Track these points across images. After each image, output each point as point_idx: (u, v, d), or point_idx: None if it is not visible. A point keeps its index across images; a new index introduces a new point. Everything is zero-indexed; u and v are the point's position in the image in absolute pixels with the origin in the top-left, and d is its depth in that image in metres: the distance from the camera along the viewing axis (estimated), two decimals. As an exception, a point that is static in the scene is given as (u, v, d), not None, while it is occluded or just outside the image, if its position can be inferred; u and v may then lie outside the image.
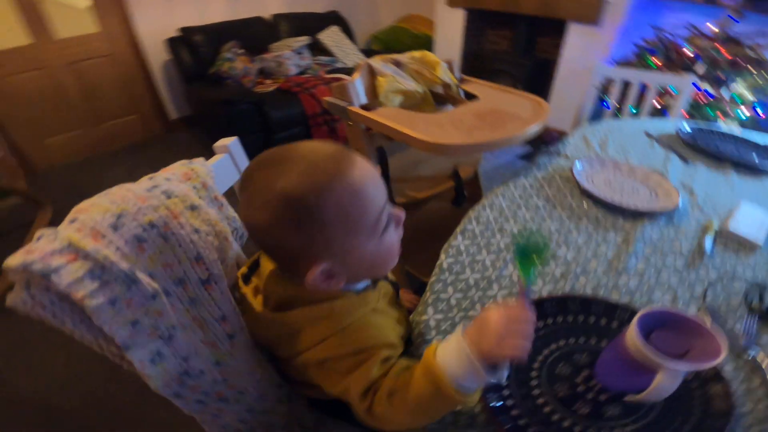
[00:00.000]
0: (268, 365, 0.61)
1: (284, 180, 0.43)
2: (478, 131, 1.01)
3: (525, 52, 2.99)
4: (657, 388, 0.39)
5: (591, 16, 2.36)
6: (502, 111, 1.15)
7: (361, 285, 0.55)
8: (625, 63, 2.23)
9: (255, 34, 2.99)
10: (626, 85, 1.71)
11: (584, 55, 2.51)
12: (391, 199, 1.24)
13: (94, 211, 0.46)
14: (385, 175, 1.23)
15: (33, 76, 2.53)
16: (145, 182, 0.54)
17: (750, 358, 0.50)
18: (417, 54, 1.37)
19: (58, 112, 2.69)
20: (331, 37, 3.27)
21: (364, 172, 0.46)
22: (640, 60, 2.15)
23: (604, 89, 1.98)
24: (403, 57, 1.34)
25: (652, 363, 0.39)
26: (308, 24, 3.22)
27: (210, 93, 2.60)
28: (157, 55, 2.91)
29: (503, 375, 0.41)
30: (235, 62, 2.73)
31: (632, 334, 0.40)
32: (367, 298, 0.53)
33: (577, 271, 0.68)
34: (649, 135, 1.23)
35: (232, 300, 0.55)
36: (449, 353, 0.41)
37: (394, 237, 0.51)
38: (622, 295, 0.63)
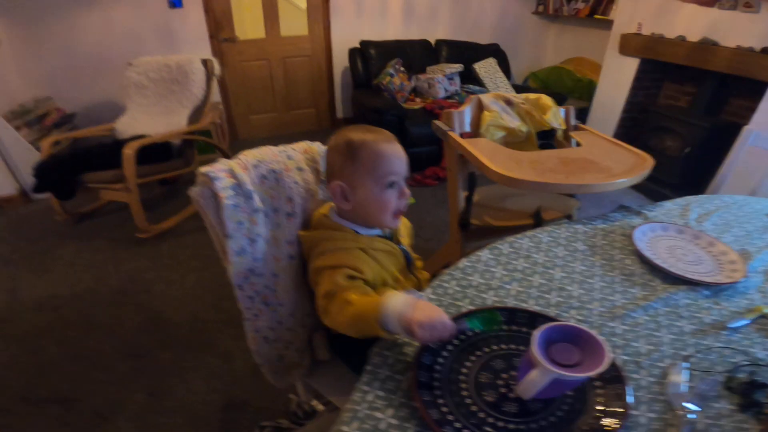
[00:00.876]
0: (306, 293, 0.87)
1: (351, 133, 0.77)
2: (552, 173, 1.11)
3: (706, 112, 2.65)
4: (527, 381, 0.49)
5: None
6: (591, 161, 1.20)
7: (362, 231, 0.78)
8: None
9: (417, 55, 3.42)
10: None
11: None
12: (465, 219, 1.39)
13: (249, 155, 0.81)
14: (469, 197, 1.39)
15: (259, 65, 3.43)
16: (281, 148, 0.88)
17: (682, 414, 0.54)
18: (533, 96, 1.49)
19: (266, 96, 3.58)
20: (485, 68, 3.48)
21: (392, 150, 0.75)
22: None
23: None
24: (516, 97, 1.48)
25: (536, 363, 0.50)
26: (466, 53, 3.51)
27: (367, 100, 3.10)
28: (340, 62, 3.60)
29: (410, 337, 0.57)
30: (394, 78, 3.19)
31: (532, 340, 0.52)
32: (360, 238, 0.77)
33: (573, 304, 0.76)
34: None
35: (300, 232, 0.83)
36: (395, 302, 0.58)
37: (392, 199, 0.76)
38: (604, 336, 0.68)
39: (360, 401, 0.55)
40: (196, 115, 2.62)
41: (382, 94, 3.23)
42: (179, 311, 1.78)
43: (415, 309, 0.55)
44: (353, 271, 0.72)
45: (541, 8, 3.96)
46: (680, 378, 0.57)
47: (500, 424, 0.52)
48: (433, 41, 3.60)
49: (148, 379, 1.45)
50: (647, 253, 0.88)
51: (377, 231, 0.83)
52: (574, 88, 3.66)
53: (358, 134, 0.76)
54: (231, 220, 0.76)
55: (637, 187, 2.99)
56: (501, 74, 3.55)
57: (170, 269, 2.07)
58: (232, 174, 0.77)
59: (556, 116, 1.43)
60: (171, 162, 2.49)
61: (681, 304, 0.77)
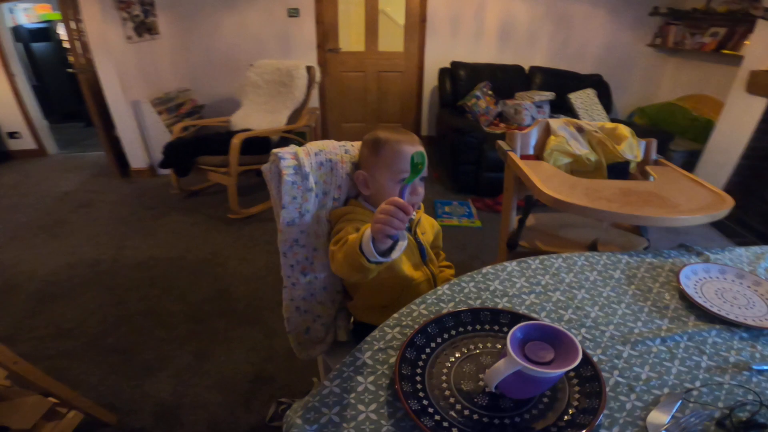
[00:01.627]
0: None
1: (381, 132, 0.90)
2: (606, 202, 1.08)
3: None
4: (492, 369, 0.52)
5: None
6: (658, 195, 1.14)
7: None
8: None
9: (508, 80, 3.42)
10: None
11: None
12: (514, 240, 1.39)
13: (314, 145, 0.96)
14: (522, 220, 1.39)
15: (357, 76, 3.75)
16: (342, 142, 1.01)
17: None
18: (610, 125, 1.45)
19: (358, 106, 3.88)
20: (581, 98, 3.35)
21: (412, 150, 0.82)
22: None
23: None
24: (590, 125, 1.45)
25: (506, 353, 0.53)
26: (562, 81, 3.40)
27: (450, 120, 3.19)
28: (430, 81, 3.76)
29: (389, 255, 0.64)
30: (480, 100, 3.23)
31: (509, 334, 0.56)
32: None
33: (586, 323, 0.76)
34: None
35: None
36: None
37: (404, 194, 0.83)
38: (602, 360, 0.66)
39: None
40: (294, 116, 2.96)
41: (466, 115, 3.29)
42: (243, 287, 2.02)
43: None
44: (362, 225, 0.80)
45: (658, 41, 3.69)
46: (670, 408, 0.56)
47: (475, 416, 0.55)
48: (527, 67, 3.56)
49: (198, 342, 1.66)
50: (689, 290, 0.83)
51: None
52: (687, 128, 3.32)
53: (386, 133, 0.89)
54: (288, 194, 0.91)
55: (725, 233, 2.67)
56: (599, 107, 3.37)
57: (246, 249, 2.36)
58: (296, 157, 0.93)
59: (631, 148, 1.36)
60: (268, 155, 2.84)
61: (709, 341, 0.72)
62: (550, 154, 1.39)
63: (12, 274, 2.11)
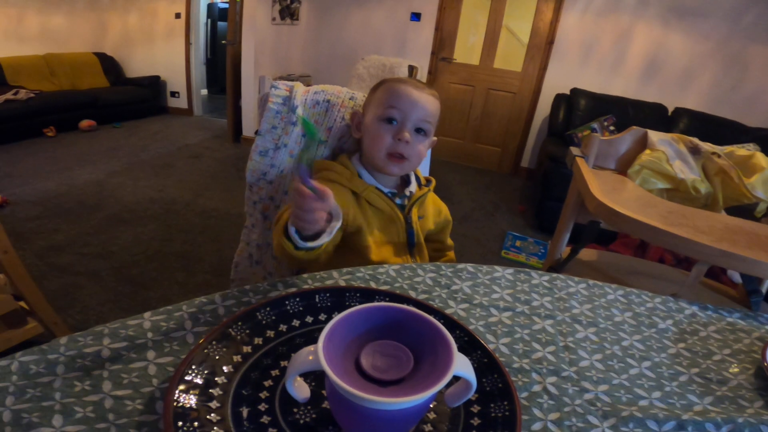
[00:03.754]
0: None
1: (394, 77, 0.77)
2: (692, 230, 0.73)
3: None
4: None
5: None
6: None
7: (367, 178, 0.74)
8: None
9: (641, 118, 2.87)
10: None
11: None
12: (556, 270, 1.05)
13: (319, 86, 0.85)
14: (574, 250, 1.05)
15: (464, 89, 3.59)
16: (351, 90, 0.88)
17: None
18: (743, 152, 1.03)
19: (460, 121, 3.70)
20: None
21: (409, 91, 0.70)
22: None
23: None
24: (712, 147, 1.06)
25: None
26: (716, 130, 2.72)
27: (551, 148, 2.79)
28: (544, 108, 3.38)
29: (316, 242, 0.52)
30: (596, 134, 2.76)
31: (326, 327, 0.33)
32: (355, 180, 0.73)
33: (561, 370, 0.47)
34: None
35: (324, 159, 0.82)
36: None
37: (386, 135, 0.71)
38: None
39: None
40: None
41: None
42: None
43: None
44: None
45: None
46: None
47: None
48: (671, 108, 2.95)
49: (205, 293, 1.67)
50: None
51: (382, 187, 0.76)
52: None
53: (397, 78, 0.75)
54: (267, 122, 0.82)
55: None
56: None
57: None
58: (290, 89, 0.83)
59: (766, 184, 0.93)
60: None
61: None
62: (638, 172, 1.03)
63: (105, 195, 2.46)
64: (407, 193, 0.78)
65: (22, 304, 1.19)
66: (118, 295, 1.62)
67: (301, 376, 0.34)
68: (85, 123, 3.60)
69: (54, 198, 2.33)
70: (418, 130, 0.72)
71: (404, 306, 0.31)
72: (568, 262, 1.05)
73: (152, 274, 1.78)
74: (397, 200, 0.76)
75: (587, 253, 1.15)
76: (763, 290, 0.95)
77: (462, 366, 0.28)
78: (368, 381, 0.27)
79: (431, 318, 0.30)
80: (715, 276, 1.75)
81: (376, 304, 0.31)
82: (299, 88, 0.85)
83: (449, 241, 0.93)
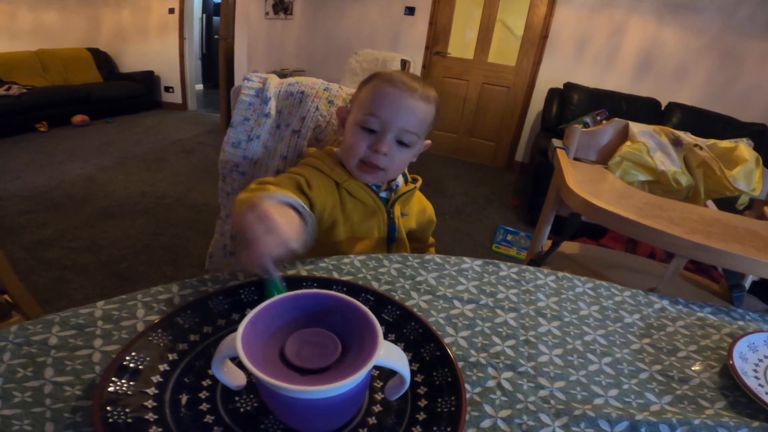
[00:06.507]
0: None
1: (387, 71, 0.70)
2: (666, 222, 0.72)
3: None
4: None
5: None
6: (761, 236, 0.73)
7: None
8: None
9: (633, 113, 2.85)
10: None
11: None
12: (537, 264, 1.05)
13: (293, 78, 0.85)
14: (555, 243, 1.05)
15: (458, 83, 3.57)
16: (325, 82, 0.87)
17: None
18: (726, 144, 1.03)
19: (454, 116, 3.68)
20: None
21: (396, 95, 0.64)
22: None
23: None
24: (695, 138, 1.05)
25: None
26: (708, 125, 2.71)
27: (543, 142, 2.78)
28: (537, 102, 3.37)
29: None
30: (588, 128, 2.75)
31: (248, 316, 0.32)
32: (337, 170, 0.69)
33: (519, 365, 0.47)
34: None
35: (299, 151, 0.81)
36: (270, 195, 0.51)
37: (361, 143, 0.65)
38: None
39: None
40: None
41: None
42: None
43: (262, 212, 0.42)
44: (305, 185, 0.64)
45: None
46: None
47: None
48: (664, 103, 2.94)
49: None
50: (741, 365, 0.47)
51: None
52: None
53: (389, 72, 0.69)
54: (239, 113, 0.81)
55: None
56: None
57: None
58: (263, 81, 0.83)
59: (748, 176, 0.93)
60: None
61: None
62: (619, 164, 1.03)
63: (96, 189, 2.45)
64: (393, 186, 0.74)
65: (6, 297, 1.18)
66: (105, 289, 1.62)
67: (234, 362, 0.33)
68: (77, 118, 3.59)
69: (44, 193, 2.32)
70: (400, 142, 0.66)
71: (332, 292, 0.30)
72: (548, 255, 1.05)
73: (140, 268, 1.77)
74: (382, 193, 0.73)
75: (570, 247, 1.15)
76: (747, 285, 0.95)
77: (391, 357, 0.28)
78: (292, 369, 0.27)
79: (360, 305, 0.30)
80: (706, 271, 1.75)
81: (303, 291, 0.30)
82: (273, 80, 0.85)
83: (430, 239, 0.91)
